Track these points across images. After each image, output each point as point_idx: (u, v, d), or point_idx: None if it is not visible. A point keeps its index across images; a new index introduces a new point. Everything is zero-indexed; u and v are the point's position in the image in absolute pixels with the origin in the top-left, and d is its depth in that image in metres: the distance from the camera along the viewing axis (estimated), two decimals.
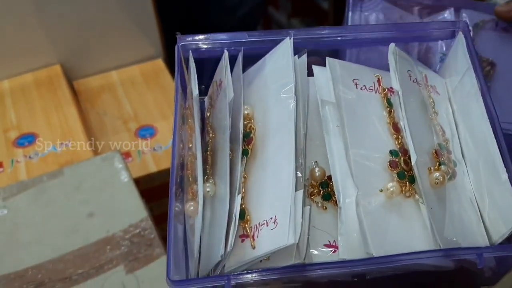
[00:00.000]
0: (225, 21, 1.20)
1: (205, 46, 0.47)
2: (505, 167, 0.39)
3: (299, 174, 0.39)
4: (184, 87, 0.46)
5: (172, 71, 1.01)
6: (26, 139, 0.82)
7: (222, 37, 0.47)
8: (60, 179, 0.70)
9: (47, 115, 0.87)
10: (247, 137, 0.42)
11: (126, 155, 0.82)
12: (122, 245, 0.64)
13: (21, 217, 0.67)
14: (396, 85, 0.42)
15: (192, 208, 0.39)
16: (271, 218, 0.37)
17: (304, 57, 0.44)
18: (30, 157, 0.79)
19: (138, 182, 0.72)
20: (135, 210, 0.67)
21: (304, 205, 0.38)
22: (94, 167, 0.72)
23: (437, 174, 0.39)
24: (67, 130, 0.84)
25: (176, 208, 0.39)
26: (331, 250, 0.39)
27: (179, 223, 0.39)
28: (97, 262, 0.63)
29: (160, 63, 1.01)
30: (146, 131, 0.87)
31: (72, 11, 0.91)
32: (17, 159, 0.79)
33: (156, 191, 0.79)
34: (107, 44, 0.98)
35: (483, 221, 0.39)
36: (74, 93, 0.95)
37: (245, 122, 0.43)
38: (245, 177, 0.41)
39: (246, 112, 0.44)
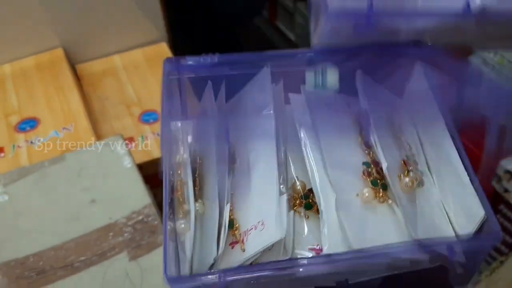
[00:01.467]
0: (229, 4, 1.18)
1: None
2: (467, 173, 0.44)
3: (281, 185, 0.44)
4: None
5: (176, 55, 1.00)
6: (28, 124, 0.81)
7: (206, 72, 0.52)
8: (61, 165, 0.69)
9: (49, 100, 0.85)
10: (232, 158, 0.47)
11: (129, 140, 0.81)
12: (125, 232, 0.63)
13: (21, 203, 0.66)
14: (364, 105, 0.48)
15: (183, 225, 0.42)
16: (259, 221, 0.41)
17: (281, 84, 0.51)
18: (31, 142, 0.78)
19: (142, 167, 0.71)
20: (138, 197, 0.66)
21: (288, 210, 0.43)
22: (96, 152, 0.70)
23: (407, 179, 0.44)
24: (69, 114, 0.82)
25: (168, 227, 0.42)
26: (315, 254, 0.42)
27: (171, 240, 0.43)
28: (99, 250, 0.62)
29: (164, 47, 0.99)
30: (149, 116, 0.86)
31: None
32: (19, 144, 0.78)
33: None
34: (110, 27, 0.96)
35: (452, 225, 0.43)
36: (77, 77, 0.94)
37: (229, 146, 0.48)
38: (232, 193, 0.45)
39: (230, 137, 0.49)
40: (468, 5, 0.44)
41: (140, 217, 0.64)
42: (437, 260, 0.40)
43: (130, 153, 0.70)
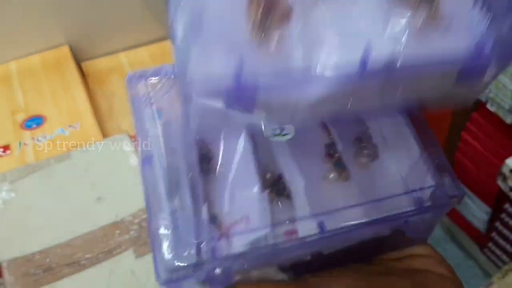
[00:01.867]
0: None
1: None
2: (416, 142, 0.48)
3: (261, 180, 0.46)
4: None
5: None
6: (34, 121, 0.81)
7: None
8: (67, 163, 0.69)
9: (55, 97, 0.85)
10: (206, 157, 0.48)
11: (135, 138, 0.81)
12: (131, 230, 0.64)
13: (28, 200, 0.66)
14: None
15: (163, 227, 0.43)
16: (242, 217, 0.44)
17: None
18: (38, 139, 0.78)
19: None
20: None
21: (269, 203, 0.45)
22: (103, 150, 0.71)
23: (362, 158, 0.48)
24: (75, 112, 0.83)
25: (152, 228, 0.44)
26: (291, 237, 0.45)
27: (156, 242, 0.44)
28: (105, 247, 0.62)
29: (169, 45, 0.99)
30: None
31: None
32: (25, 141, 0.78)
33: None
34: (116, 25, 0.96)
35: (408, 189, 0.47)
36: (83, 74, 0.94)
37: (202, 146, 0.48)
38: (209, 191, 0.46)
39: (200, 137, 0.49)
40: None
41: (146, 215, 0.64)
42: (396, 228, 0.46)
43: (136, 151, 0.70)
